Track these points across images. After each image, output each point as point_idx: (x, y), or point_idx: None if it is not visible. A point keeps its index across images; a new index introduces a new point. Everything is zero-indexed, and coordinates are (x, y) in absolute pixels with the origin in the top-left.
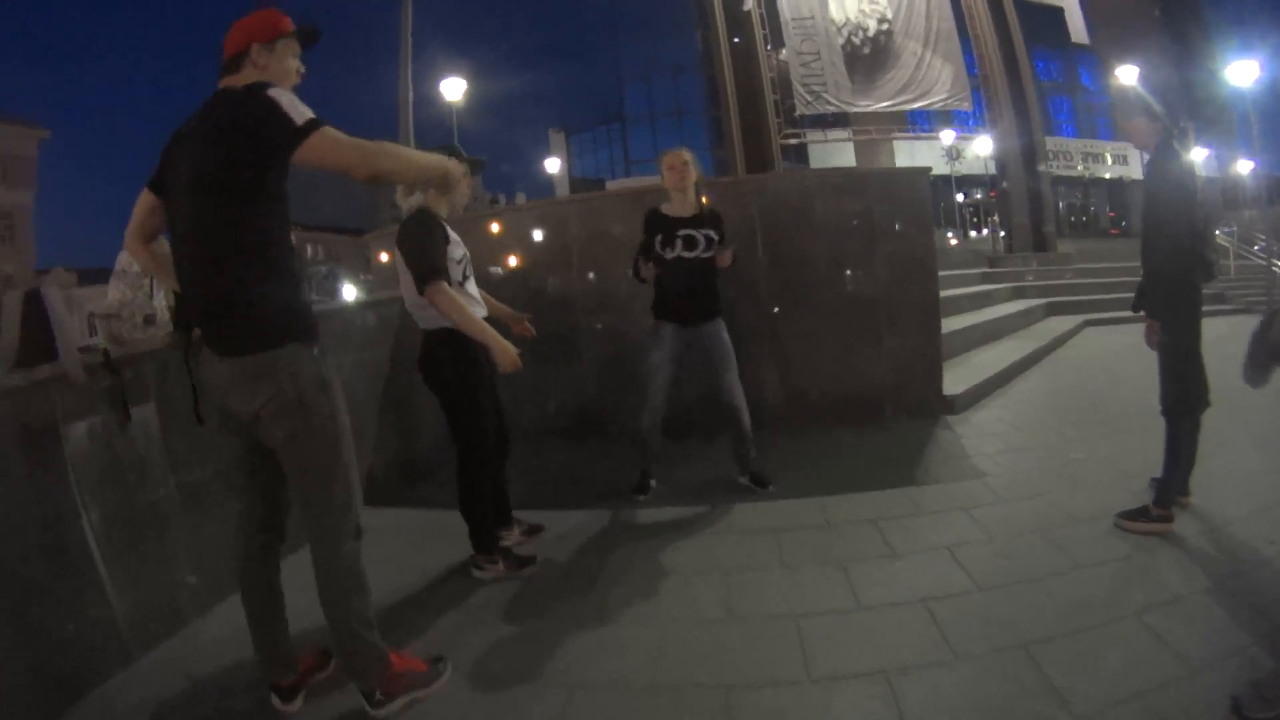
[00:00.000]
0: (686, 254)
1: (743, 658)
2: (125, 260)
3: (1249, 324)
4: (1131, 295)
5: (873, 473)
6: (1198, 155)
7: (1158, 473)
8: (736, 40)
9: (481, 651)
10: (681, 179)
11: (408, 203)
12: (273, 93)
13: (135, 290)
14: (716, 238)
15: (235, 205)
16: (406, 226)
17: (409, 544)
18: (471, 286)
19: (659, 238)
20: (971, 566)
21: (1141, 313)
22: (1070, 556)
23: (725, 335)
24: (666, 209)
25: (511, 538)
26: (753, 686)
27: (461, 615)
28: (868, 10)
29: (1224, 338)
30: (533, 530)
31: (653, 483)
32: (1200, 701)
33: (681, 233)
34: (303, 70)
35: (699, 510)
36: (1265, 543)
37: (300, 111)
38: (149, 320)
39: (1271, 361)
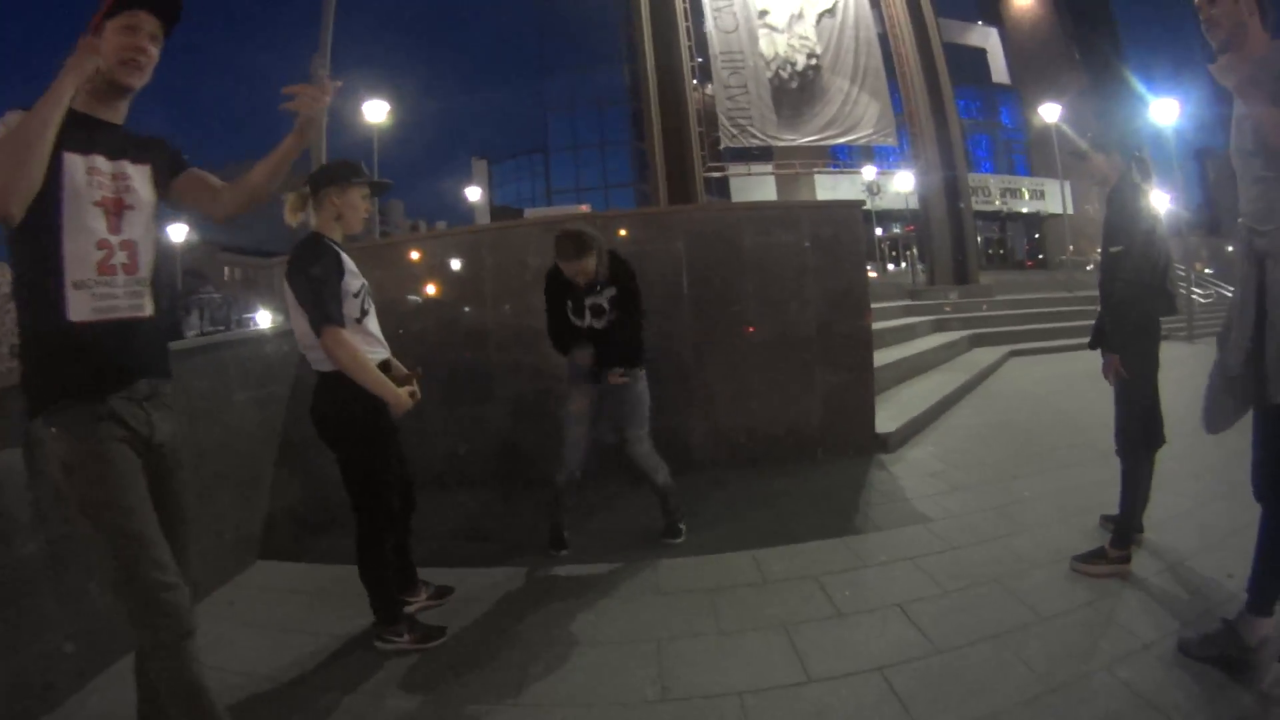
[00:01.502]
0: (596, 324)
1: None
2: None
3: (1172, 350)
4: (1053, 325)
5: (809, 521)
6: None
7: (1106, 509)
8: (700, 60)
9: None
10: (578, 270)
11: (295, 221)
12: None
13: (1, 315)
14: (618, 295)
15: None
16: (297, 258)
17: (305, 606)
18: (372, 322)
19: (568, 304)
20: (926, 625)
21: (1099, 349)
22: (1030, 607)
23: (639, 388)
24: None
25: (418, 602)
26: None
27: (360, 697)
28: (797, 45)
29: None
30: (441, 592)
31: (566, 534)
32: None
33: (589, 302)
34: (145, 49)
35: (623, 567)
36: (1225, 576)
37: None
38: (15, 351)
39: (1236, 405)
